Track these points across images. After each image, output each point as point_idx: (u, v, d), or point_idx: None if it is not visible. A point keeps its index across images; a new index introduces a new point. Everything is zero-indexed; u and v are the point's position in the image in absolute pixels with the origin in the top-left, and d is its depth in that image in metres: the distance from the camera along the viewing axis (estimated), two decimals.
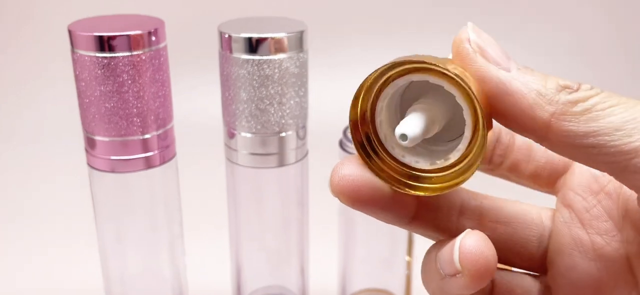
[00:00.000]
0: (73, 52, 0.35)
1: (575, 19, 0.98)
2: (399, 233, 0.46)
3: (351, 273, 0.49)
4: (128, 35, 0.35)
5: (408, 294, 0.50)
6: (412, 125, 0.21)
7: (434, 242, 0.27)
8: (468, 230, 0.24)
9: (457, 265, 0.23)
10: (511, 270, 0.28)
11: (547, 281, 0.28)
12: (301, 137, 0.41)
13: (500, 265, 0.28)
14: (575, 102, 0.21)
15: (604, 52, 0.97)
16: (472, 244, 0.23)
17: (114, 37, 0.34)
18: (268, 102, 0.38)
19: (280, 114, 0.39)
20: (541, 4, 0.97)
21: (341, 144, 0.44)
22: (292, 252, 0.46)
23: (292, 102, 0.39)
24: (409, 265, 0.49)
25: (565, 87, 0.21)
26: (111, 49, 0.34)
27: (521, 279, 0.28)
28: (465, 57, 0.22)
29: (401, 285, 0.49)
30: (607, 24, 0.98)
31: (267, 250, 0.47)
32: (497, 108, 0.22)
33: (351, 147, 0.43)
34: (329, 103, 0.84)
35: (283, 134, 0.39)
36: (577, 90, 0.21)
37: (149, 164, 0.38)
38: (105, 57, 0.35)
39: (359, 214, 0.36)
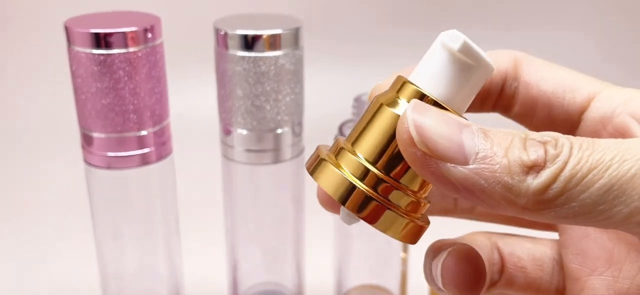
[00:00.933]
0: (69, 48, 0.36)
1: (574, 18, 0.98)
2: None
3: (347, 269, 0.49)
4: (124, 32, 0.35)
5: (403, 291, 0.50)
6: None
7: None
8: (449, 250, 0.25)
9: (440, 284, 0.24)
10: (518, 236, 0.29)
11: (559, 245, 0.28)
12: (297, 133, 0.41)
13: (507, 232, 0.29)
14: (546, 189, 0.19)
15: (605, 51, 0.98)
16: (451, 265, 0.24)
17: (110, 34, 0.34)
18: (264, 99, 0.38)
19: (276, 110, 0.39)
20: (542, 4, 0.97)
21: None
22: (288, 249, 0.47)
23: (288, 98, 0.39)
24: (404, 261, 0.49)
25: (531, 167, 0.19)
26: (107, 45, 0.34)
27: (532, 249, 0.28)
28: (414, 163, 0.20)
29: (396, 281, 0.49)
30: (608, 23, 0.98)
31: (263, 247, 0.47)
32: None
33: None
34: (325, 99, 0.84)
35: (279, 131, 0.40)
36: (543, 166, 0.19)
37: (145, 160, 0.38)
38: (102, 54, 0.35)
39: None
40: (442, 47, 0.21)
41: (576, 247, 0.27)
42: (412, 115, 0.20)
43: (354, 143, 0.22)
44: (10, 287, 0.56)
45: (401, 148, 0.20)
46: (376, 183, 0.21)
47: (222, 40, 0.38)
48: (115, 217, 0.42)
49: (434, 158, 0.20)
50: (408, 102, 0.21)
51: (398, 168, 0.21)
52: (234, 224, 0.45)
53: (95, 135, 0.37)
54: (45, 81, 0.91)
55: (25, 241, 0.63)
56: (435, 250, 0.26)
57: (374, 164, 0.21)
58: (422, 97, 0.21)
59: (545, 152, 0.19)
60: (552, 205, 0.19)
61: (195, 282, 0.52)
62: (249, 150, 0.40)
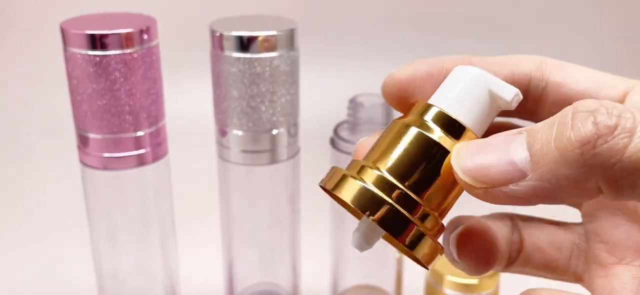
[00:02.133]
0: (65, 50, 0.36)
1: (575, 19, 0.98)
2: None
3: (342, 270, 0.50)
4: (120, 34, 0.35)
5: (399, 291, 0.50)
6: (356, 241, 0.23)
7: None
8: (466, 224, 0.25)
9: (455, 256, 0.25)
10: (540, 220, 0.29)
11: (586, 232, 0.28)
12: (292, 134, 0.41)
13: (530, 215, 0.29)
14: (611, 157, 0.18)
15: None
16: (466, 237, 0.25)
17: (106, 35, 0.34)
18: (259, 100, 0.38)
19: (271, 111, 0.39)
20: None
21: (333, 142, 0.44)
22: (283, 249, 0.47)
23: (283, 99, 0.39)
24: (399, 262, 0.49)
25: (585, 144, 0.18)
26: (103, 46, 0.35)
27: (553, 233, 0.28)
28: (482, 199, 0.20)
29: (392, 281, 0.50)
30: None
31: (259, 247, 0.47)
32: None
33: (342, 144, 0.43)
34: (321, 101, 0.84)
35: (274, 132, 0.40)
36: (598, 138, 0.18)
37: (141, 161, 0.39)
38: (97, 55, 0.35)
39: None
40: (489, 94, 0.22)
41: (606, 236, 0.27)
42: (457, 164, 0.21)
43: (376, 162, 0.22)
44: (6, 287, 0.56)
45: (466, 190, 0.21)
46: (405, 200, 0.21)
47: (217, 41, 0.38)
48: (111, 217, 0.42)
49: (495, 188, 0.20)
50: (435, 123, 0.22)
51: (425, 188, 0.22)
52: (230, 224, 0.45)
53: (91, 136, 0.37)
54: (41, 82, 0.91)
55: (22, 241, 0.63)
56: (454, 223, 0.26)
57: (400, 181, 0.21)
58: (452, 123, 0.22)
59: (596, 123, 0.19)
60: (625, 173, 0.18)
61: (192, 283, 0.52)
62: (244, 151, 0.40)
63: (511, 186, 0.20)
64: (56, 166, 0.78)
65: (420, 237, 0.21)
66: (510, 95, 0.22)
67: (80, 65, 0.35)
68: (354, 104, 0.42)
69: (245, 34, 0.37)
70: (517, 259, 0.28)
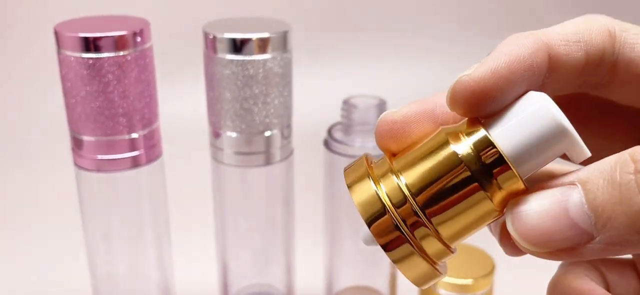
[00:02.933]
0: (59, 52, 0.36)
1: None
2: None
3: (337, 271, 0.50)
4: (113, 36, 0.35)
5: (393, 291, 0.51)
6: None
7: None
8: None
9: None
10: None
11: None
12: (286, 136, 0.42)
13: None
14: None
15: None
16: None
17: (99, 38, 0.35)
18: (252, 102, 0.38)
19: (264, 113, 0.39)
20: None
21: (326, 144, 0.44)
22: (278, 251, 0.47)
23: (276, 101, 0.39)
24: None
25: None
26: (97, 49, 0.35)
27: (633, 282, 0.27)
28: (546, 258, 0.19)
29: (386, 282, 0.50)
30: None
31: (253, 249, 0.47)
32: None
33: (336, 146, 0.43)
34: (314, 102, 0.84)
35: (268, 133, 0.40)
36: None
37: (135, 163, 0.39)
38: (91, 58, 0.35)
39: (345, 212, 0.36)
40: (558, 143, 0.20)
41: None
42: (515, 231, 0.19)
43: (402, 168, 0.21)
44: (0, 289, 0.56)
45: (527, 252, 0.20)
46: (409, 219, 0.20)
47: (211, 43, 0.38)
48: (105, 219, 0.42)
49: (561, 251, 0.19)
50: (476, 149, 0.20)
51: (440, 211, 0.20)
52: (224, 226, 0.45)
53: (85, 138, 0.37)
54: (34, 85, 0.91)
55: (16, 244, 0.63)
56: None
57: (415, 195, 0.20)
58: (492, 151, 0.20)
59: None
60: None
61: (186, 285, 0.52)
62: (238, 153, 0.40)
63: (579, 249, 0.19)
64: (50, 169, 0.78)
65: (409, 256, 0.21)
66: (581, 158, 0.20)
67: (73, 68, 0.35)
68: (347, 106, 0.42)
69: (238, 36, 0.37)
70: None
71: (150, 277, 0.45)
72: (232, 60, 0.37)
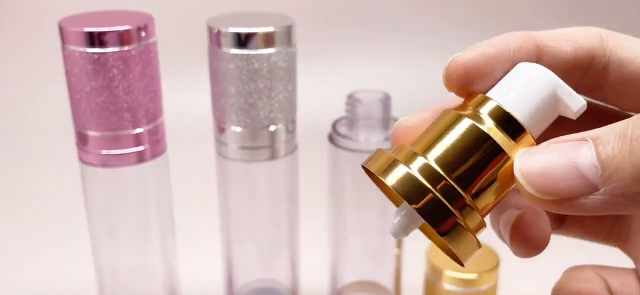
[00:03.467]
0: (64, 47, 0.36)
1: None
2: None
3: (342, 266, 0.50)
4: (118, 31, 0.35)
5: (397, 286, 0.51)
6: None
7: None
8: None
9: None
10: None
11: None
12: (290, 130, 0.42)
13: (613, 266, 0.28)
14: None
15: None
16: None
17: (104, 33, 0.35)
18: (257, 96, 0.38)
19: (269, 108, 0.39)
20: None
21: (331, 138, 0.44)
22: (282, 246, 0.47)
23: (281, 96, 0.39)
24: (398, 258, 0.49)
25: None
26: (101, 44, 0.35)
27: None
28: (548, 209, 0.20)
29: (391, 277, 0.50)
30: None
31: (257, 244, 0.47)
32: None
33: (340, 140, 0.43)
34: (318, 97, 0.84)
35: (272, 128, 0.40)
36: None
37: (140, 158, 0.39)
38: (96, 53, 0.35)
39: (349, 207, 0.36)
40: (554, 98, 0.22)
41: None
42: (521, 175, 0.20)
43: (424, 150, 0.22)
44: (5, 285, 0.56)
45: (529, 201, 0.20)
46: (449, 192, 0.21)
47: (215, 38, 0.38)
48: (110, 214, 0.42)
49: (563, 200, 0.19)
50: (491, 118, 0.21)
51: (471, 182, 0.21)
52: (229, 221, 0.45)
53: (90, 133, 0.37)
54: (39, 81, 0.91)
55: (21, 240, 0.63)
56: (504, 205, 0.26)
57: (447, 173, 0.21)
58: (509, 120, 0.21)
59: None
60: None
61: (191, 280, 0.52)
62: (243, 148, 0.40)
63: (581, 199, 0.19)
64: (54, 164, 0.79)
65: (460, 231, 0.21)
66: (577, 106, 0.22)
67: (78, 63, 0.35)
68: (351, 100, 0.42)
69: (243, 30, 0.37)
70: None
71: (155, 272, 0.45)
72: (236, 55, 0.37)
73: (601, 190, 0.19)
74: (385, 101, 0.42)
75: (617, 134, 0.19)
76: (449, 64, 0.23)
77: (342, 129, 0.43)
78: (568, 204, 0.20)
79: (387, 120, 0.43)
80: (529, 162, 0.20)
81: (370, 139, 0.42)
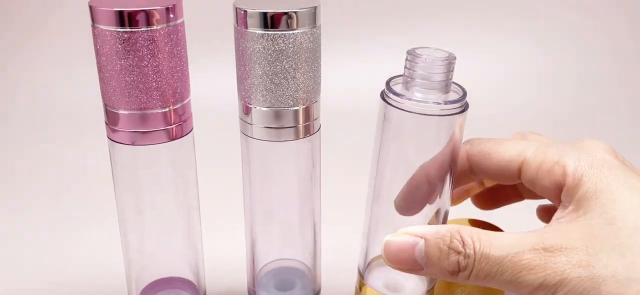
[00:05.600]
0: (94, 27, 0.37)
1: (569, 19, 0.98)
2: None
3: (374, 238, 0.45)
4: (147, 11, 0.36)
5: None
6: None
7: None
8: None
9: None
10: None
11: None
12: (314, 111, 0.42)
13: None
14: (466, 278, 0.32)
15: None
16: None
17: (134, 12, 0.35)
18: (282, 77, 0.39)
19: (294, 88, 0.40)
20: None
21: (383, 95, 0.38)
22: (304, 225, 0.48)
23: (305, 76, 0.40)
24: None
25: (453, 272, 0.32)
26: (131, 24, 0.35)
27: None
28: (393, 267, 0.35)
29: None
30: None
31: (280, 223, 0.48)
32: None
33: (393, 99, 0.37)
34: (343, 79, 0.85)
35: (296, 108, 0.41)
36: (459, 270, 0.32)
37: (168, 136, 0.39)
38: (126, 32, 0.36)
39: (396, 171, 0.39)
40: None
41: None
42: (383, 254, 0.34)
43: None
44: (35, 263, 0.57)
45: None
46: None
47: (241, 19, 0.38)
48: (137, 192, 0.43)
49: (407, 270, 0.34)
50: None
51: None
52: (253, 200, 0.46)
53: (120, 112, 0.38)
54: (65, 63, 0.93)
55: (51, 217, 0.65)
56: None
57: None
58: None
59: (458, 262, 0.31)
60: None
61: (214, 256, 0.53)
62: (268, 127, 0.41)
63: (417, 271, 0.33)
64: (84, 144, 0.80)
65: None
66: None
67: (108, 42, 0.36)
68: (412, 56, 0.36)
69: (269, 11, 0.37)
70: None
71: (181, 249, 0.46)
72: (263, 35, 0.38)
73: (425, 270, 0.32)
74: (450, 60, 0.36)
75: (436, 242, 0.32)
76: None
77: (397, 87, 0.38)
78: (409, 271, 0.33)
79: (447, 84, 0.37)
80: (387, 246, 0.33)
81: (428, 98, 0.36)
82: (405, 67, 0.37)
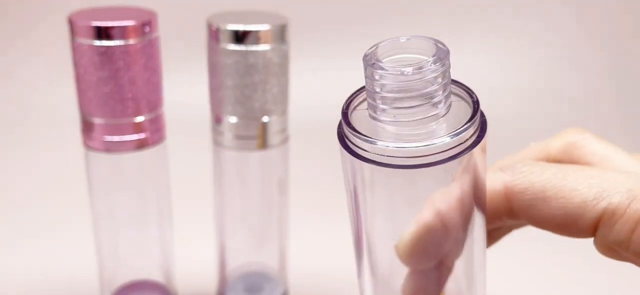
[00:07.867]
0: (73, 40, 0.38)
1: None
2: None
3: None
4: (124, 26, 0.38)
5: None
6: None
7: None
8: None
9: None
10: None
11: None
12: (283, 122, 0.44)
13: None
14: None
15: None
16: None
17: (111, 28, 0.37)
18: (252, 89, 0.41)
19: (263, 100, 0.42)
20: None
21: (342, 136, 0.33)
22: (273, 231, 0.50)
23: (274, 89, 0.42)
24: None
25: None
26: (108, 37, 0.37)
27: None
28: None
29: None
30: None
31: (249, 229, 0.50)
32: None
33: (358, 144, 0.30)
34: (311, 92, 0.87)
35: (266, 119, 0.43)
36: None
37: (141, 144, 0.41)
38: (103, 46, 0.38)
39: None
40: None
41: None
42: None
43: None
44: (5, 267, 0.58)
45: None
46: None
47: (214, 34, 0.41)
48: (112, 198, 0.45)
49: None
50: None
51: None
52: (223, 206, 0.48)
53: (96, 121, 0.40)
54: (45, 73, 0.94)
55: (23, 221, 0.66)
56: None
57: None
58: None
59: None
60: None
61: (186, 261, 0.54)
62: (238, 137, 0.43)
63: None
64: (57, 151, 0.81)
65: None
66: None
67: (86, 55, 0.38)
68: (371, 70, 0.25)
69: (240, 28, 0.40)
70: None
71: (152, 252, 0.48)
72: (234, 51, 0.40)
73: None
74: (439, 56, 0.24)
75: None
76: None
77: (360, 119, 0.26)
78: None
79: (443, 93, 0.26)
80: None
81: (415, 136, 0.25)
82: (367, 82, 0.24)
